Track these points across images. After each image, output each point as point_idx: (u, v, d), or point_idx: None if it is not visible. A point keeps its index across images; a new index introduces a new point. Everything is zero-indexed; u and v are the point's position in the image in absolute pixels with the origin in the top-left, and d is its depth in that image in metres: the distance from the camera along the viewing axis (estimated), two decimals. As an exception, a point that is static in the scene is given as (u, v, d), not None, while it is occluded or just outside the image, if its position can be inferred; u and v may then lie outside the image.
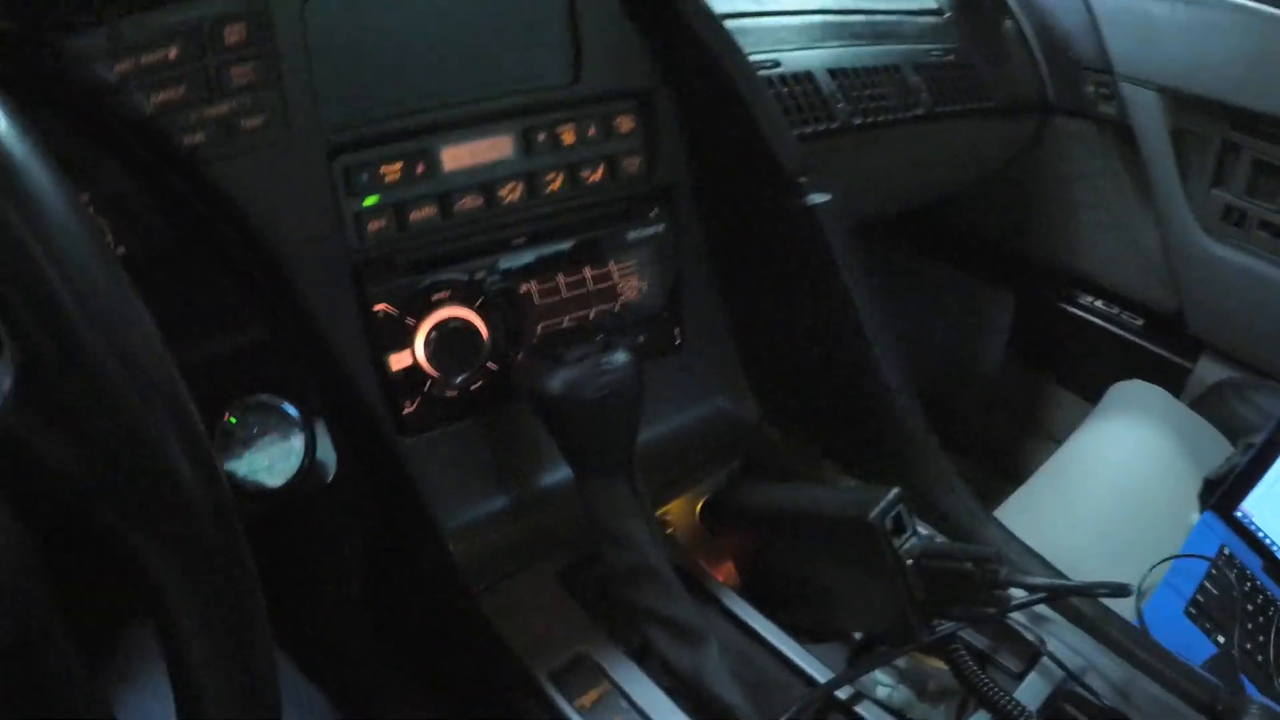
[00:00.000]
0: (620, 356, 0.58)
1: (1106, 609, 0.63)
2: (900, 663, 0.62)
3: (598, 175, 0.67)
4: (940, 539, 0.66)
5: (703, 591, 0.64)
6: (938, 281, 1.27)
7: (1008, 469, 0.95)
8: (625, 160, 0.68)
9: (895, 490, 0.57)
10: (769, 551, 0.67)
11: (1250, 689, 0.79)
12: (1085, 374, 1.08)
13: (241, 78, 0.56)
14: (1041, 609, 0.62)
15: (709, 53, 0.66)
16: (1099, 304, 1.13)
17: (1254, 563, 0.90)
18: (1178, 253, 1.06)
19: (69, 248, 0.30)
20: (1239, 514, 0.91)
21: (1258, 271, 1.03)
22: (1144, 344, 1.11)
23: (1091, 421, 1.00)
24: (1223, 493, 0.92)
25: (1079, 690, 0.59)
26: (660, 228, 0.69)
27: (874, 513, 0.56)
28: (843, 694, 0.57)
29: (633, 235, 0.69)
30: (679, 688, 0.57)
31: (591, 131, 0.67)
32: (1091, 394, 1.04)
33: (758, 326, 0.74)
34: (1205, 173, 1.03)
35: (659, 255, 0.70)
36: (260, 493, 0.64)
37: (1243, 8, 0.94)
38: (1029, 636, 0.61)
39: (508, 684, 0.60)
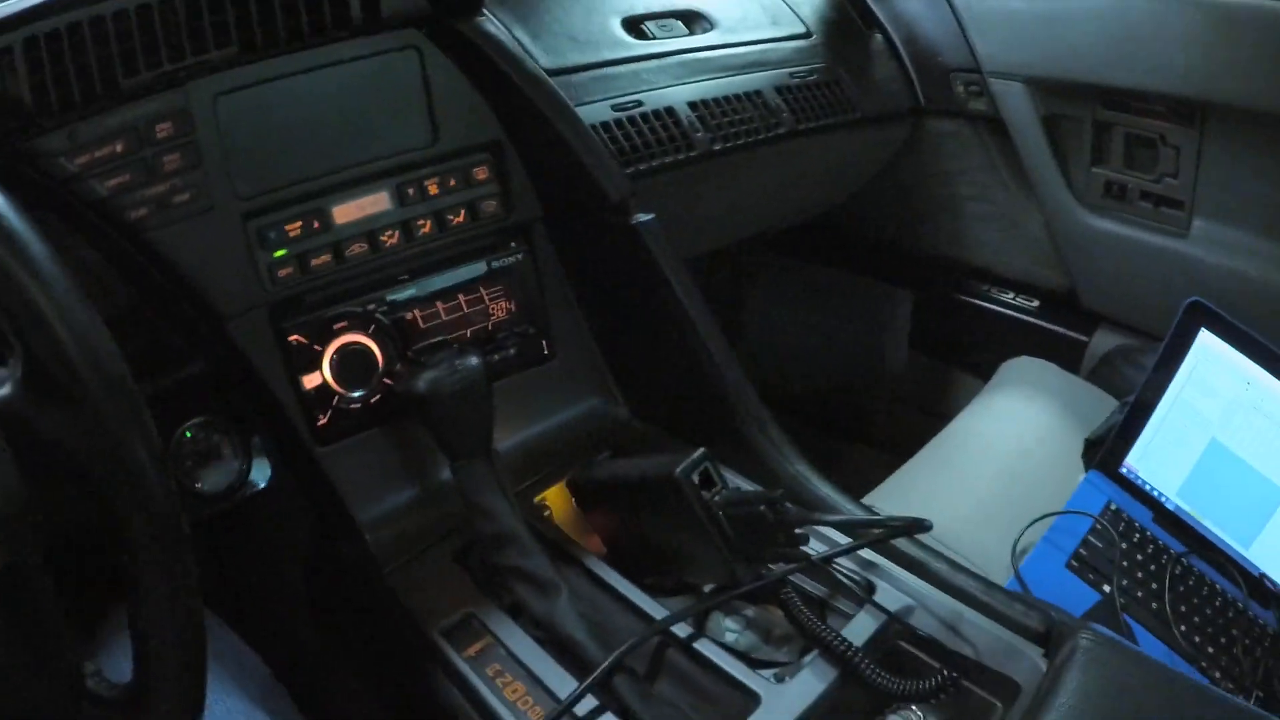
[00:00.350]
0: (471, 359, 0.72)
1: (938, 553, 0.70)
2: (749, 612, 0.70)
3: (460, 218, 0.80)
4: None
5: (567, 557, 0.74)
6: (837, 288, 1.35)
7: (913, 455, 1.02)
8: (484, 203, 0.81)
9: (701, 450, 0.66)
10: (620, 520, 0.77)
11: (1142, 634, 0.83)
12: (987, 359, 1.14)
13: (172, 164, 0.70)
14: (874, 556, 0.69)
15: (538, 109, 0.78)
16: (994, 291, 1.19)
17: (1143, 515, 0.95)
18: (1062, 233, 1.13)
19: (57, 289, 0.42)
20: (1124, 470, 0.97)
21: (1140, 240, 1.08)
22: (1041, 323, 1.17)
23: (977, 399, 1.07)
24: (1105, 451, 0.97)
25: (915, 627, 0.64)
26: (519, 256, 0.83)
27: (679, 469, 0.64)
28: (682, 634, 0.64)
29: (496, 264, 0.82)
30: (544, 636, 0.67)
31: (452, 182, 0.80)
32: (988, 375, 1.11)
33: (617, 333, 0.86)
34: (1083, 153, 1.09)
35: (521, 280, 0.83)
36: (211, 496, 0.79)
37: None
38: (858, 579, 0.68)
39: (411, 645, 0.71)
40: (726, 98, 0.97)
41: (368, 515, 0.80)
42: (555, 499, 0.83)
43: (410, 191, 0.79)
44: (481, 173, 0.81)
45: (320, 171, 0.77)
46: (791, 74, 1.02)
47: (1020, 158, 1.10)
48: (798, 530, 0.64)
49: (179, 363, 0.78)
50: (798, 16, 1.08)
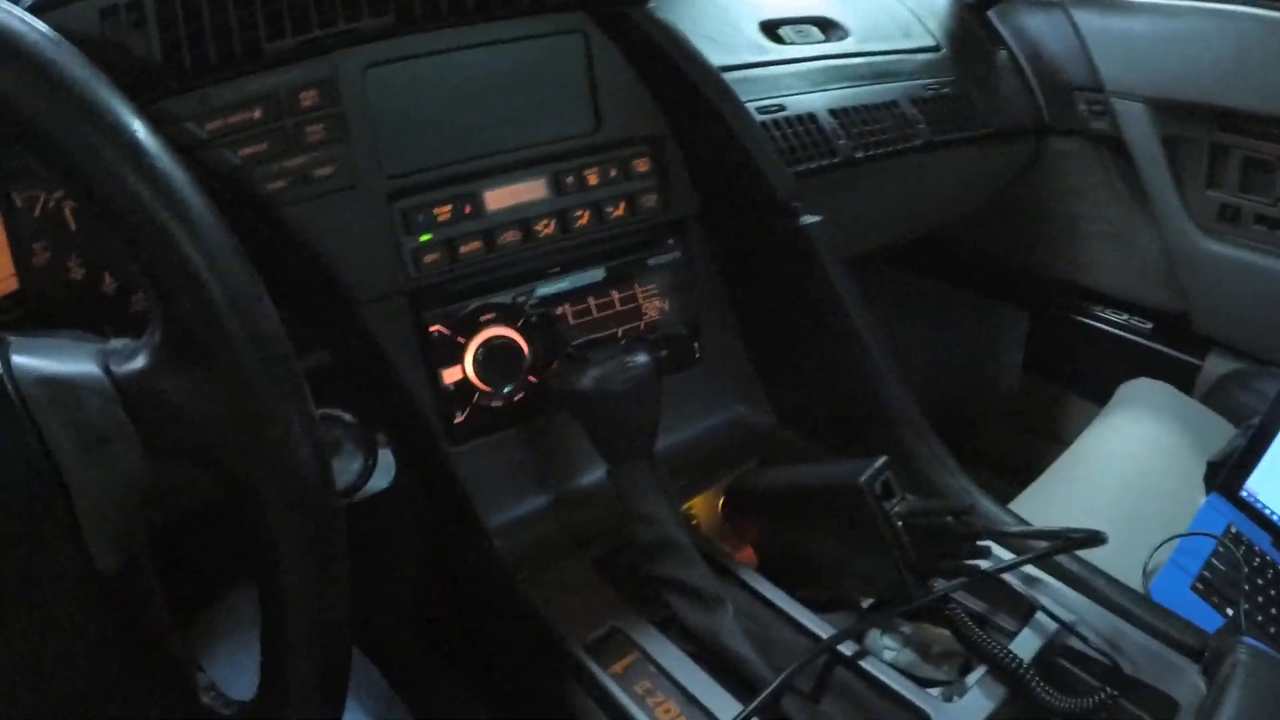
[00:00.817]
0: (640, 357, 0.67)
1: (1097, 569, 0.67)
2: (905, 629, 0.67)
3: (619, 211, 0.77)
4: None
5: (722, 569, 0.70)
6: (953, 304, 1.33)
7: (1027, 479, 0.99)
8: (643, 197, 0.77)
9: (883, 459, 0.63)
10: (779, 530, 0.73)
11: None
12: (1100, 381, 1.11)
13: (315, 135, 0.66)
14: (1035, 570, 0.67)
15: (709, 102, 0.75)
16: (1108, 312, 1.17)
17: (1262, 539, 0.93)
18: (1178, 255, 1.11)
19: (217, 246, 0.37)
20: (1244, 493, 0.95)
21: (1256, 264, 1.07)
22: (1154, 346, 1.14)
23: (1099, 419, 1.04)
24: (1226, 474, 0.96)
25: (1072, 643, 0.62)
26: (677, 255, 0.79)
27: (864, 478, 0.61)
28: (848, 651, 0.61)
29: (652, 262, 0.78)
30: (700, 652, 0.63)
31: (613, 173, 0.76)
32: (1106, 400, 1.09)
33: (768, 338, 0.82)
34: (1199, 175, 1.07)
35: (676, 279, 0.79)
36: (330, 495, 0.74)
37: (1217, 12, 0.99)
38: (1023, 594, 0.65)
39: (547, 661, 0.67)
40: (865, 106, 0.94)
41: (497, 520, 0.75)
42: (700, 508, 0.79)
43: (569, 180, 0.75)
44: (642, 165, 0.77)
45: (473, 154, 0.73)
46: (925, 86, 1.00)
47: (1139, 178, 1.08)
48: (979, 543, 0.61)
49: (302, 351, 0.74)
50: (926, 29, 1.07)
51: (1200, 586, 0.86)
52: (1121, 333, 1.16)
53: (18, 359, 0.36)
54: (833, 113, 0.91)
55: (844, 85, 0.95)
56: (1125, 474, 0.99)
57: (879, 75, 0.98)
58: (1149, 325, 1.15)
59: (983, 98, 1.03)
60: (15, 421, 0.35)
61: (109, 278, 0.66)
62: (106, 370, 0.38)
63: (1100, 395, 1.08)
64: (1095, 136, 1.09)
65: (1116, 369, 1.11)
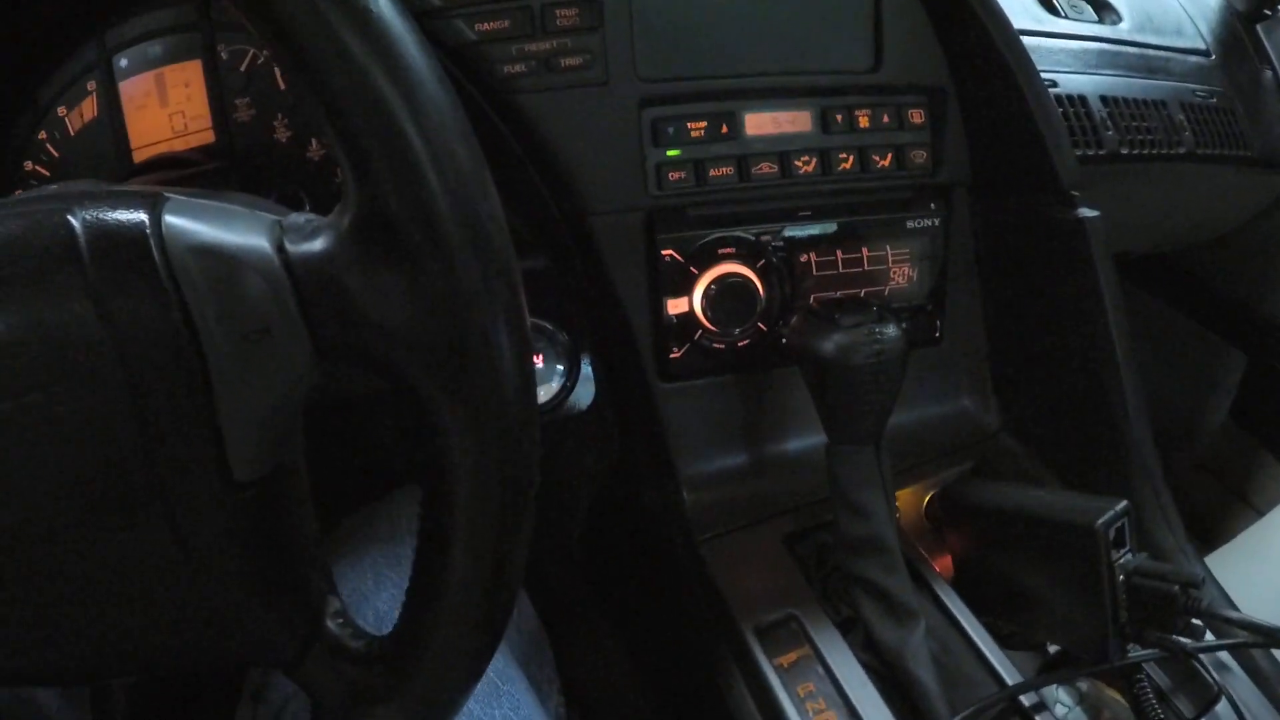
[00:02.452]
0: (892, 330, 0.60)
1: None
2: (1081, 686, 0.61)
3: (886, 161, 0.69)
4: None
5: (917, 577, 0.65)
6: (1171, 327, 1.23)
7: (1206, 534, 0.92)
8: (913, 151, 0.70)
9: (1124, 503, 0.57)
10: (988, 548, 0.67)
11: None
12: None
13: (566, 19, 0.60)
14: (1224, 657, 0.61)
15: (1002, 60, 0.67)
16: (1328, 379, 1.08)
17: None
18: None
19: (441, 121, 0.30)
20: None
21: None
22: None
23: (1301, 494, 0.97)
24: None
25: None
26: (937, 221, 0.71)
27: (1101, 520, 0.56)
28: (1027, 701, 0.57)
29: (911, 224, 0.70)
30: (875, 664, 0.59)
31: (885, 119, 0.69)
32: (1310, 468, 1.00)
33: (1011, 334, 0.74)
34: None
35: (931, 247, 0.71)
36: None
37: None
38: (1209, 679, 0.59)
39: (711, 631, 0.62)
40: (1135, 100, 0.85)
41: (691, 470, 0.70)
42: (901, 503, 0.72)
43: (838, 118, 0.68)
44: (917, 116, 0.70)
45: (738, 71, 0.66)
46: (1194, 92, 0.90)
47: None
48: (1194, 622, 0.56)
49: (517, 251, 0.68)
50: (1198, 31, 0.97)
51: None
52: (1336, 404, 1.07)
53: (173, 220, 0.29)
54: (1104, 100, 0.83)
55: (1116, 73, 0.86)
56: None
57: (1151, 70, 0.89)
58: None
59: (1246, 117, 0.94)
60: (160, 296, 0.28)
61: (315, 144, 0.62)
62: (279, 247, 0.31)
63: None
64: (1350, 184, 0.99)
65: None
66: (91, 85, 0.57)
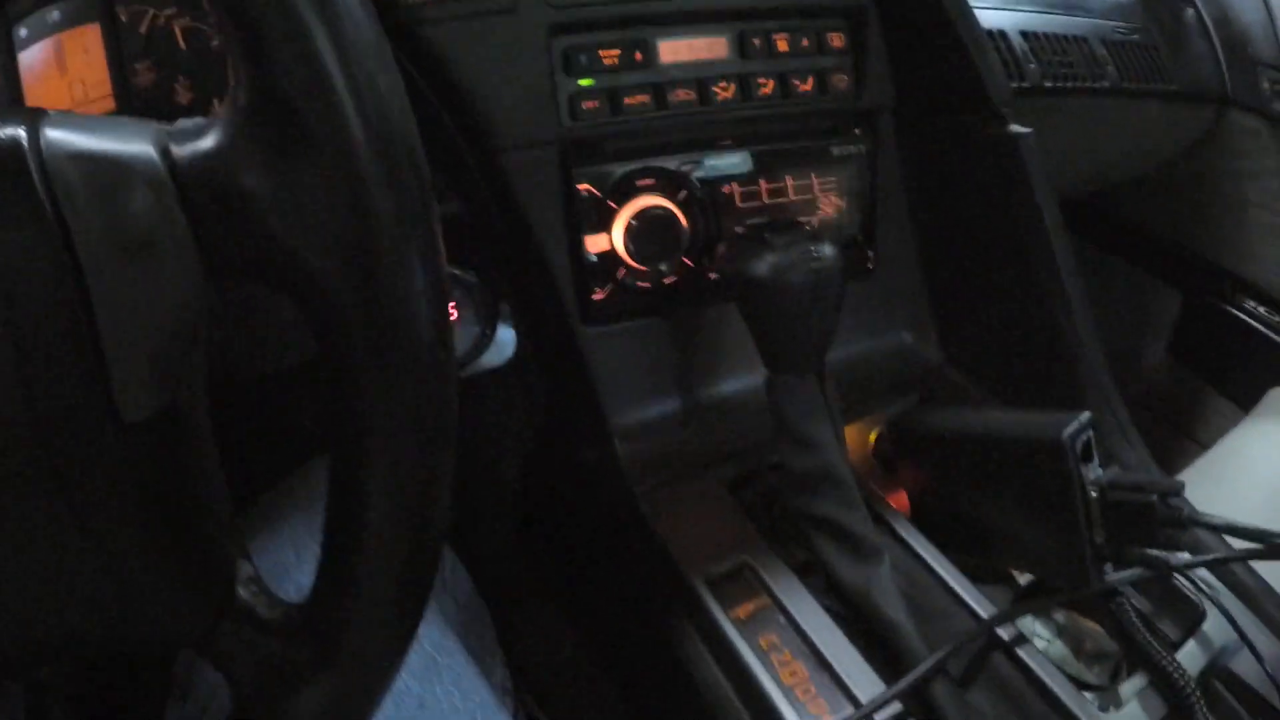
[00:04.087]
0: (827, 248, 0.57)
1: (1268, 584, 0.60)
2: (1059, 618, 0.59)
3: (807, 86, 0.66)
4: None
5: (874, 515, 0.61)
6: (1106, 272, 1.24)
7: (1155, 472, 0.91)
8: (834, 76, 0.67)
9: (1087, 414, 0.54)
10: (945, 479, 0.64)
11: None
12: (1243, 381, 1.02)
13: None
14: (1203, 573, 0.59)
15: None
16: (1262, 310, 1.08)
17: None
18: (1344, 263, 1.02)
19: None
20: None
21: None
22: (1304, 354, 1.06)
23: (1244, 426, 0.96)
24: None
25: (1234, 665, 0.55)
26: (863, 147, 0.68)
27: (1066, 432, 0.52)
28: (1005, 635, 0.54)
29: (837, 151, 0.68)
30: (839, 608, 0.55)
31: (805, 43, 0.66)
32: (1247, 403, 1.00)
33: (948, 262, 0.72)
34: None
35: (859, 176, 0.69)
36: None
37: None
38: (1192, 598, 0.57)
39: (659, 588, 0.59)
40: (1056, 35, 0.85)
41: (624, 420, 0.66)
42: (849, 442, 0.69)
43: (756, 42, 0.65)
44: (837, 40, 0.67)
45: None
46: (1115, 28, 0.90)
47: (1315, 175, 1.00)
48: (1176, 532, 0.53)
49: None
50: (1117, -31, 0.98)
51: None
52: (1272, 334, 1.07)
53: (52, 133, 0.26)
54: (1023, 34, 0.82)
55: (1036, 10, 0.86)
56: (1270, 487, 0.89)
57: (1070, 6, 0.89)
58: (1301, 331, 1.06)
59: (1169, 52, 0.94)
60: (33, 207, 0.25)
61: (218, 104, 0.58)
62: (164, 151, 0.27)
63: (1243, 397, 0.99)
64: (1275, 119, 1.00)
65: (1264, 372, 1.02)
66: None
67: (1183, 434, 0.98)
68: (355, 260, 0.28)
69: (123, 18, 0.54)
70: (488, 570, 0.66)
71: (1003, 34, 0.81)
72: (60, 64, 0.54)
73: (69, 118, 0.27)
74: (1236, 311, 1.09)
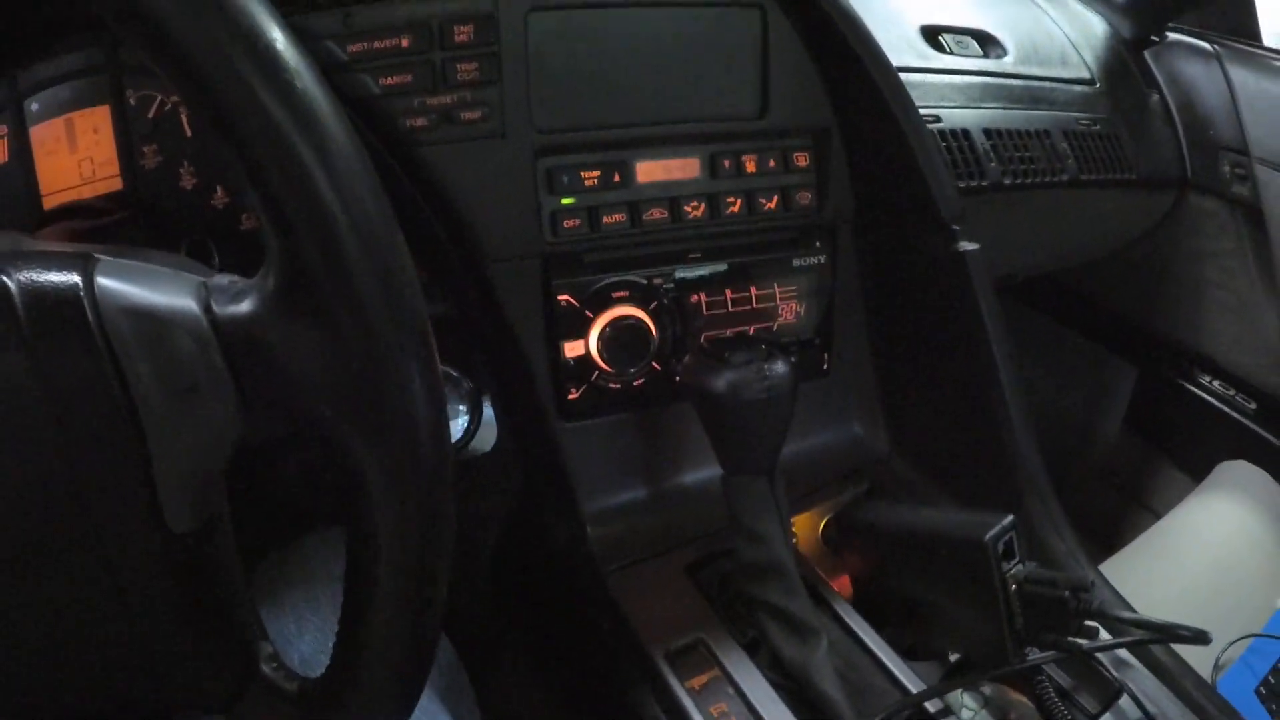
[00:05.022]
0: (780, 366, 0.63)
1: (1184, 663, 0.65)
2: (986, 690, 0.64)
3: (773, 204, 0.72)
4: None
5: (818, 598, 0.68)
6: (1062, 345, 1.29)
7: (1106, 539, 0.96)
8: (798, 193, 0.73)
9: (1010, 517, 0.60)
10: (883, 567, 0.70)
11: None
12: (1196, 453, 1.07)
13: (466, 73, 0.62)
14: (1123, 654, 0.64)
15: (882, 98, 0.70)
16: (1216, 384, 1.12)
17: (1341, 648, 0.90)
18: (1295, 340, 1.06)
19: (355, 184, 0.32)
20: (1325, 603, 0.92)
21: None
22: (1255, 428, 1.10)
23: (1193, 497, 1.01)
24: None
25: None
26: (823, 258, 0.74)
27: (989, 535, 0.59)
28: (932, 708, 0.59)
29: (797, 262, 0.73)
30: (783, 681, 0.61)
31: (771, 163, 0.72)
32: (1200, 473, 1.04)
33: (898, 362, 0.78)
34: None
35: (818, 283, 0.74)
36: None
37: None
38: (1109, 677, 0.62)
39: (623, 659, 0.64)
40: (1018, 131, 0.89)
41: (594, 506, 0.72)
42: (799, 527, 0.75)
43: (725, 164, 0.70)
44: (802, 159, 0.73)
45: (630, 120, 0.68)
46: (1078, 120, 0.95)
47: (1271, 253, 1.04)
48: (1087, 623, 0.59)
49: None
50: (1083, 61, 1.01)
51: (1263, 691, 0.83)
52: (1225, 408, 1.11)
53: (105, 282, 0.31)
54: (986, 133, 0.87)
55: (999, 106, 0.90)
56: (1214, 559, 0.96)
57: (1035, 100, 0.93)
58: (1253, 405, 1.10)
59: (1131, 141, 0.99)
60: (94, 355, 0.30)
61: (221, 191, 0.63)
62: (207, 309, 0.33)
63: (1196, 468, 1.04)
64: (1234, 201, 1.04)
65: (1216, 444, 1.07)
66: (2, 130, 0.57)
67: (1137, 503, 1.03)
68: (369, 399, 0.33)
69: (132, 101, 0.58)
70: (466, 637, 0.72)
71: (966, 133, 0.85)
72: (71, 141, 0.58)
73: (117, 266, 0.32)
74: (1191, 386, 1.13)
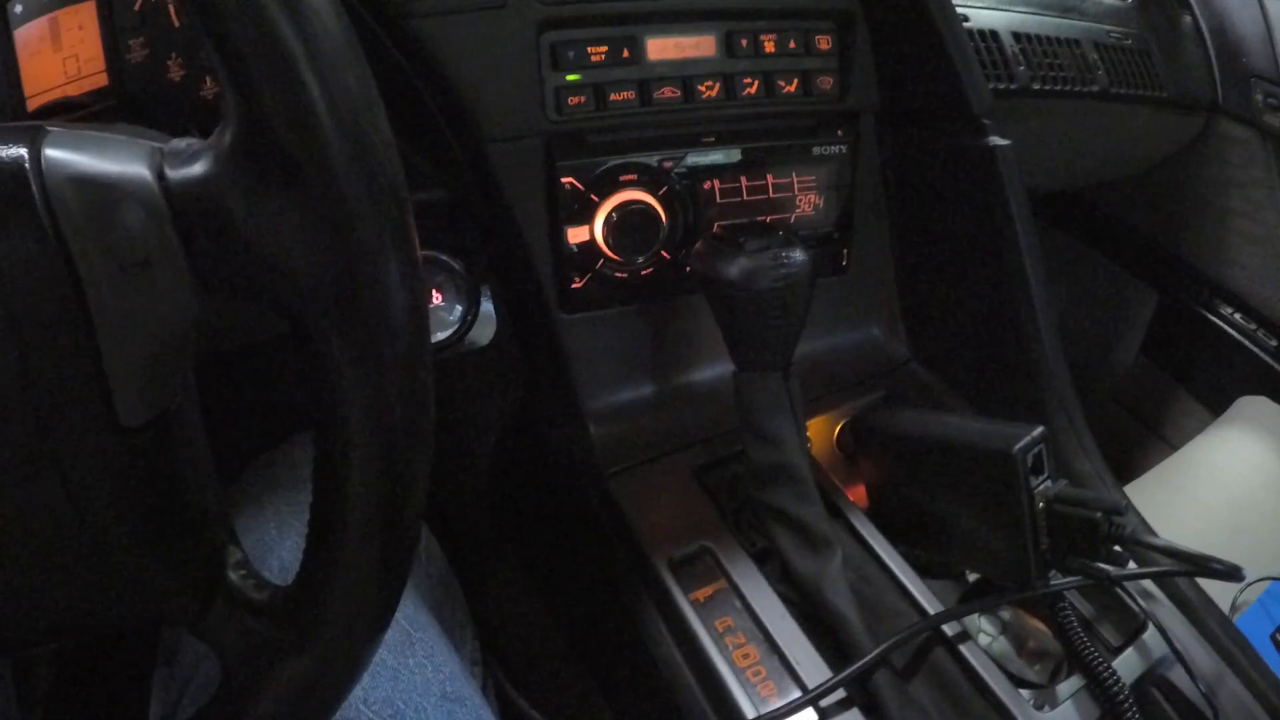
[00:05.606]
0: (798, 254, 0.58)
1: (1209, 599, 0.62)
2: (1004, 615, 0.61)
3: (792, 87, 0.68)
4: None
5: (833, 508, 0.64)
6: (1085, 265, 1.25)
7: (1122, 468, 0.93)
8: (819, 78, 0.68)
9: (1040, 429, 0.56)
10: (902, 477, 0.66)
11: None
12: (1213, 385, 1.04)
13: None
14: (1148, 584, 0.61)
15: None
16: (1238, 316, 1.09)
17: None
18: (1324, 278, 1.03)
19: (323, 28, 0.28)
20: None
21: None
22: (1277, 366, 1.07)
23: (1213, 430, 0.98)
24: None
25: (1171, 675, 0.57)
26: (844, 148, 0.70)
27: (1018, 446, 0.55)
28: (949, 630, 0.56)
29: (817, 151, 0.69)
30: (793, 595, 0.58)
31: (792, 44, 0.67)
32: (1216, 406, 1.02)
33: (920, 263, 0.74)
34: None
35: (838, 175, 0.70)
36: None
37: None
38: (1134, 608, 0.59)
39: (623, 567, 0.61)
40: (1048, 37, 0.86)
41: (597, 403, 0.68)
42: (813, 432, 0.71)
43: (743, 42, 0.66)
44: (824, 42, 0.68)
45: None
46: (1109, 32, 0.91)
47: (1302, 186, 1.00)
48: (1118, 549, 0.55)
49: (413, 185, 0.66)
50: (1115, -28, 0.98)
51: (1279, 637, 0.80)
52: (1246, 341, 1.08)
53: (52, 153, 0.28)
54: (1015, 36, 0.83)
55: (1029, 10, 0.86)
56: (1232, 497, 0.93)
57: (1065, 8, 0.89)
58: (1274, 342, 1.07)
59: (1162, 60, 0.95)
60: (35, 226, 0.27)
61: (210, 82, 0.59)
62: (159, 174, 0.29)
63: (1213, 400, 1.01)
64: (1265, 131, 1.00)
65: (1235, 378, 1.04)
66: None
67: (1152, 432, 1.00)
68: (338, 277, 0.29)
69: None
70: (460, 545, 0.69)
71: (994, 34, 0.82)
72: (55, 39, 0.55)
73: (68, 136, 0.29)
74: (1212, 316, 1.10)
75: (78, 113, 0.57)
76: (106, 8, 0.55)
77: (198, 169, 0.29)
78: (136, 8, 0.55)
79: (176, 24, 0.57)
